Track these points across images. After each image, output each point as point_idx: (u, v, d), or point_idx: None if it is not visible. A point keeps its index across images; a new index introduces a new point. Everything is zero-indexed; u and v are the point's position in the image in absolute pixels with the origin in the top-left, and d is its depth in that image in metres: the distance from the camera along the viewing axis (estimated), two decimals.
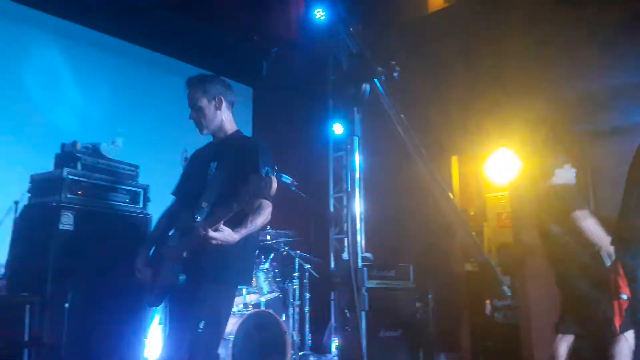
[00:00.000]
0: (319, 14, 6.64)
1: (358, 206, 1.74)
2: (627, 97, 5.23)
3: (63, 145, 4.09)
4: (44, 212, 3.72)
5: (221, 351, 4.43)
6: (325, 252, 7.07)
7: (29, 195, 4.00)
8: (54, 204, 3.68)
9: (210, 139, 3.16)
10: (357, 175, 1.79)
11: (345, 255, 6.75)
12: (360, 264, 1.65)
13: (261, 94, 8.76)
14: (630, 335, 3.88)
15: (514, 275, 6.27)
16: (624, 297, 3.78)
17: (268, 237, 5.59)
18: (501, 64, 5.97)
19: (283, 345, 4.89)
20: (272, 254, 5.60)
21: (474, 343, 6.28)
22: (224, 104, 3.05)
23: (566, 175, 4.50)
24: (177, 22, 7.04)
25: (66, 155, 3.98)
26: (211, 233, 2.51)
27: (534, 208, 4.69)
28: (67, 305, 3.38)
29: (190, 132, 3.21)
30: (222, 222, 2.53)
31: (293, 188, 5.69)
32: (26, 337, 3.30)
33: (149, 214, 4.16)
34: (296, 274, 5.67)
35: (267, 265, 5.36)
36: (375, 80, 1.50)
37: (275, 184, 2.40)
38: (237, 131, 3.12)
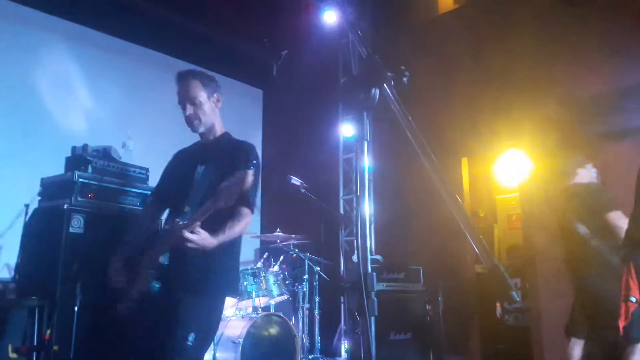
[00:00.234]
0: (329, 16, 6.62)
1: (367, 210, 1.72)
2: (638, 98, 5.19)
3: (74, 149, 4.12)
4: (54, 215, 3.74)
5: (230, 354, 4.44)
6: (335, 254, 7.06)
7: (39, 198, 4.03)
8: (65, 207, 3.70)
9: (196, 138, 3.02)
10: (367, 180, 1.78)
11: (355, 258, 6.73)
12: (369, 268, 1.63)
13: (271, 96, 8.81)
14: None
15: (524, 277, 6.23)
16: (633, 299, 3.74)
17: (278, 240, 5.59)
18: (511, 65, 5.94)
19: (292, 348, 4.88)
20: (282, 257, 5.60)
21: (484, 346, 6.23)
22: (219, 103, 2.95)
23: (588, 174, 4.44)
24: (188, 25, 7.08)
25: (77, 159, 4.01)
26: (187, 234, 2.36)
27: (556, 207, 4.60)
28: (76, 308, 3.39)
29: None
30: (197, 224, 2.39)
31: (303, 190, 5.70)
32: (35, 341, 3.32)
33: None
34: (306, 276, 5.65)
35: (276, 267, 5.35)
36: (385, 85, 1.48)
37: (249, 178, 2.35)
38: (226, 133, 3.00)
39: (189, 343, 2.47)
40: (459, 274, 6.18)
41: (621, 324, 3.84)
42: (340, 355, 6.16)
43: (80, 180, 3.81)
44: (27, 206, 4.12)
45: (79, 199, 3.78)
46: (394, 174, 6.67)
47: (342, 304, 6.45)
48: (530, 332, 5.89)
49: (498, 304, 6.56)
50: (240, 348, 4.39)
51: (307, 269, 5.69)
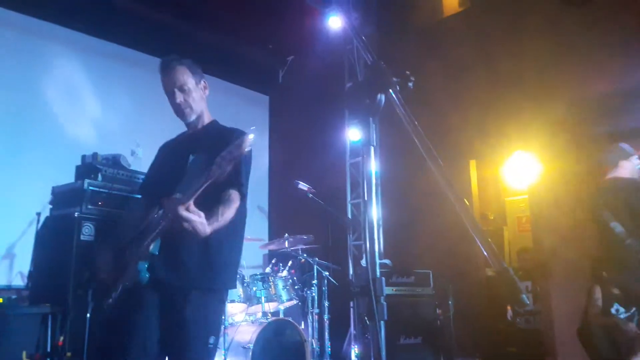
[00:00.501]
0: (334, 22, 6.65)
1: (375, 215, 1.73)
2: None
3: (84, 157, 4.17)
4: (65, 223, 3.78)
5: None
6: (344, 258, 7.06)
7: (50, 206, 4.07)
8: (75, 215, 3.74)
9: (180, 130, 2.89)
10: (374, 185, 1.79)
11: (364, 262, 6.73)
12: (378, 272, 1.64)
13: (277, 102, 8.85)
14: None
15: (535, 280, 6.20)
16: None
17: (286, 244, 5.60)
18: (519, 67, 5.93)
19: (302, 353, 4.88)
20: (291, 262, 5.60)
21: (495, 349, 6.21)
22: (207, 90, 2.82)
23: (631, 168, 4.06)
24: (195, 33, 7.13)
25: (87, 167, 4.05)
26: (183, 212, 2.17)
27: (591, 202, 4.35)
28: (88, 315, 3.42)
29: None
30: (192, 200, 2.20)
31: (310, 195, 5.71)
32: (49, 347, 3.34)
33: None
34: (315, 281, 5.64)
35: (285, 273, 5.36)
36: (390, 90, 1.50)
37: (246, 146, 2.15)
38: (215, 121, 2.86)
39: (210, 346, 2.43)
40: (469, 277, 6.17)
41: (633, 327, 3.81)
42: None
43: (91, 188, 3.85)
44: (38, 214, 4.16)
45: (90, 206, 3.82)
46: (402, 177, 6.67)
47: (351, 309, 6.45)
48: (542, 334, 5.86)
49: (509, 307, 6.53)
50: (250, 353, 4.40)
51: (315, 274, 5.69)
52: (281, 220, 7.84)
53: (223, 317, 2.72)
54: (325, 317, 5.70)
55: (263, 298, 4.94)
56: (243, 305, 4.98)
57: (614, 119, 5.42)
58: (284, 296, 5.15)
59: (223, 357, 4.39)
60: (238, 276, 4.93)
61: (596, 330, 5.04)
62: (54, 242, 3.86)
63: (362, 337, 5.86)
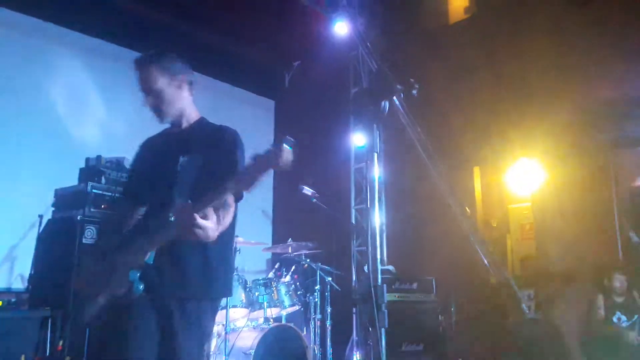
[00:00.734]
0: (340, 28, 6.64)
1: (378, 222, 1.72)
2: None
3: (87, 160, 4.17)
4: (67, 225, 3.77)
5: None
6: (347, 264, 7.04)
7: (53, 209, 4.07)
8: (78, 217, 3.73)
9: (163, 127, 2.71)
10: (377, 191, 1.78)
11: (366, 268, 6.70)
12: (380, 279, 1.63)
13: (283, 106, 8.85)
14: None
15: (538, 288, 6.16)
16: None
17: (289, 250, 5.58)
18: (524, 74, 5.92)
19: (304, 359, 4.86)
20: (294, 267, 5.58)
21: (497, 357, 6.17)
22: (186, 85, 2.59)
23: None
24: (201, 37, 7.14)
25: (90, 170, 4.05)
26: (199, 219, 2.06)
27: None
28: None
29: None
30: (209, 208, 2.11)
31: (314, 200, 5.69)
32: (48, 351, 3.33)
33: None
34: (317, 286, 5.62)
35: (288, 278, 5.34)
36: (394, 97, 1.49)
37: (286, 154, 2.00)
38: (202, 118, 2.68)
39: (205, 352, 2.41)
40: (472, 284, 6.14)
41: (632, 335, 3.79)
42: None
43: (94, 191, 3.85)
44: (41, 217, 4.16)
45: (92, 209, 3.82)
46: (407, 184, 6.65)
47: (354, 315, 6.42)
48: (545, 343, 5.82)
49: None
50: (251, 359, 4.38)
51: (318, 279, 5.67)
52: (285, 224, 7.82)
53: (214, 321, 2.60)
54: (328, 323, 5.67)
55: (265, 303, 4.92)
56: (245, 311, 4.95)
57: (619, 126, 5.41)
58: (287, 302, 5.12)
59: None
60: (240, 281, 4.92)
61: (598, 338, 5.03)
62: (56, 245, 3.86)
63: (364, 344, 5.83)
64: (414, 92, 1.51)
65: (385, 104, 1.51)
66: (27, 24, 5.87)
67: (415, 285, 5.36)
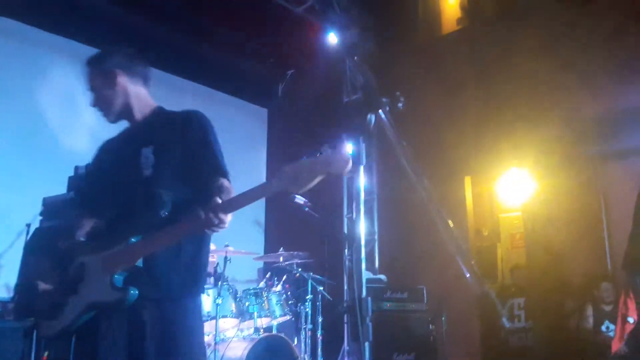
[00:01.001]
0: (333, 37, 6.66)
1: (363, 233, 1.72)
2: (638, 118, 5.21)
3: (76, 168, 4.13)
4: (55, 235, 3.73)
5: None
6: (339, 273, 7.02)
7: (41, 218, 4.03)
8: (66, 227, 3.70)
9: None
10: (362, 203, 1.78)
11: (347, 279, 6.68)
12: (364, 292, 1.63)
13: (276, 115, 8.87)
14: None
15: (528, 297, 6.18)
16: (631, 320, 3.71)
17: (281, 259, 5.56)
18: (515, 85, 5.97)
19: None
20: (285, 276, 5.56)
21: None
22: (125, 78, 2.45)
23: None
24: (194, 46, 7.15)
25: (79, 178, 4.01)
26: (228, 218, 1.99)
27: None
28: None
29: None
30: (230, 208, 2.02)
31: (306, 209, 5.68)
32: None
33: None
34: (309, 296, 5.59)
35: (279, 287, 5.31)
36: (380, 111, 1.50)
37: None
38: (159, 107, 2.54)
39: (203, 347, 2.33)
40: (462, 294, 6.14)
41: (615, 346, 3.80)
42: None
43: None
44: (28, 226, 4.13)
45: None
46: (398, 193, 6.66)
47: (345, 325, 6.40)
48: (535, 352, 5.83)
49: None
50: None
51: (310, 289, 5.64)
52: (277, 233, 7.81)
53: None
54: (319, 333, 5.64)
55: (255, 313, 4.89)
56: (235, 321, 4.92)
57: (607, 139, 5.46)
58: (278, 311, 5.09)
59: None
60: (230, 290, 4.89)
61: (587, 347, 5.04)
62: (43, 255, 3.82)
63: (355, 354, 5.81)
64: (400, 105, 1.52)
65: (372, 117, 1.52)
66: (18, 30, 5.84)
67: (406, 294, 5.36)
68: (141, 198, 2.23)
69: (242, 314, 4.89)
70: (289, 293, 5.40)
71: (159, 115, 2.49)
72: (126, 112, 2.46)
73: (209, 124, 2.38)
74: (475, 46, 6.53)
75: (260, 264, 7.30)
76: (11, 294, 3.99)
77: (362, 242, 1.44)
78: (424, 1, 7.55)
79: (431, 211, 1.37)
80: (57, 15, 5.97)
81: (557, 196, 5.59)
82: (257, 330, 4.94)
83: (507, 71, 6.07)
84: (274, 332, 5.06)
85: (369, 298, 1.45)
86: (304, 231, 6.47)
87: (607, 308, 5.20)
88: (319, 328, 5.64)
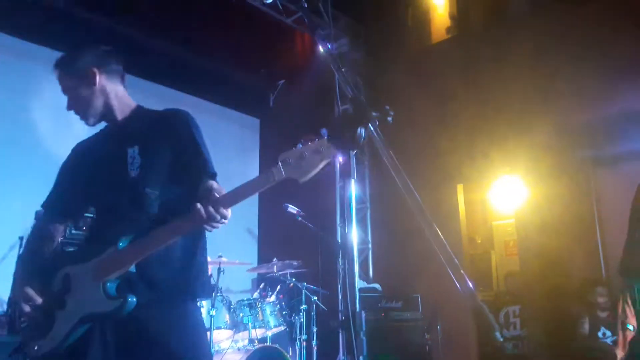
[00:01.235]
0: (321, 49, 6.70)
1: (356, 244, 1.72)
2: (630, 124, 5.24)
3: None
4: (37, 247, 3.71)
5: None
6: (334, 283, 7.01)
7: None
8: (59, 240, 3.68)
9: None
10: (354, 216, 1.78)
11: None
12: (358, 306, 1.62)
13: (268, 124, 8.88)
14: None
15: (523, 304, 6.19)
16: (631, 327, 3.72)
17: (274, 269, 5.55)
18: (506, 93, 6.01)
19: None
20: (279, 286, 5.54)
21: None
22: (103, 76, 2.32)
23: None
24: (186, 57, 7.16)
25: None
26: (224, 211, 1.91)
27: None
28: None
29: None
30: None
31: (299, 218, 5.68)
32: None
33: None
34: (303, 306, 5.58)
35: (273, 298, 5.29)
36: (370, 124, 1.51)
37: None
38: (139, 106, 2.44)
39: (208, 348, 2.27)
40: (457, 302, 6.13)
41: (620, 354, 3.80)
42: None
43: None
44: (21, 239, 4.10)
45: (73, 231, 3.77)
46: (393, 201, 6.68)
47: (340, 334, 6.38)
48: (531, 359, 5.83)
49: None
50: None
51: (304, 299, 5.63)
52: (271, 243, 7.79)
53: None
54: (314, 343, 5.62)
55: (250, 324, 4.87)
56: (229, 332, 4.90)
57: (598, 145, 5.49)
58: (272, 322, 5.06)
59: None
60: (224, 301, 4.87)
61: (584, 354, 5.03)
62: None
63: None
64: (389, 119, 1.53)
65: (361, 131, 1.53)
66: (9, 44, 5.84)
67: (400, 303, 5.36)
68: (129, 200, 2.13)
69: (237, 325, 4.87)
70: (283, 303, 5.38)
71: (141, 115, 2.38)
72: (107, 112, 2.34)
73: (194, 123, 2.31)
74: (465, 55, 6.57)
75: (254, 274, 7.28)
76: (4, 308, 3.96)
77: (355, 252, 1.43)
78: (414, 10, 7.59)
79: (422, 225, 1.37)
80: (47, 27, 5.95)
81: (550, 202, 5.61)
82: (251, 341, 4.92)
83: (498, 79, 6.10)
84: (269, 343, 5.05)
85: (363, 312, 1.44)
86: (297, 241, 6.47)
87: (603, 314, 5.20)
88: (314, 338, 5.62)
